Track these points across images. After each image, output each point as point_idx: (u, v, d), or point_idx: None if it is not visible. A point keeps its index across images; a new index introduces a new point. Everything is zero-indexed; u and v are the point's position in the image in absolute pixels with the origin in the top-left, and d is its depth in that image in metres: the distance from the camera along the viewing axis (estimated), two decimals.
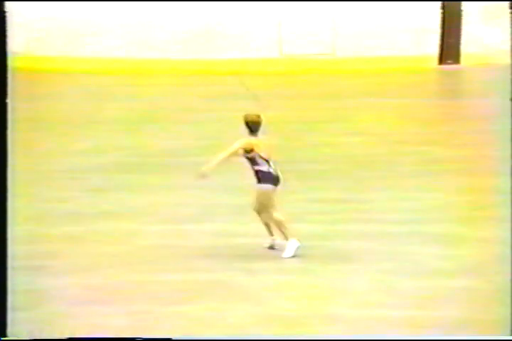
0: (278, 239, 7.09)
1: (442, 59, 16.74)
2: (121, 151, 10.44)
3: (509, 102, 13.32)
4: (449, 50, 16.66)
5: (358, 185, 9.02)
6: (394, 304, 6.18)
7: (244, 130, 7.05)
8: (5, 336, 5.13)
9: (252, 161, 6.94)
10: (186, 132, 11.37)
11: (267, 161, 6.94)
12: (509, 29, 10.50)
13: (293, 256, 6.95)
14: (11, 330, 5.17)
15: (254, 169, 6.96)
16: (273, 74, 15.66)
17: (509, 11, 10.22)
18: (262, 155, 6.91)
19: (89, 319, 5.95)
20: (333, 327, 5.82)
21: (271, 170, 6.94)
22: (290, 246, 6.95)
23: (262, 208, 6.99)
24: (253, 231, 7.59)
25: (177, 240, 7.41)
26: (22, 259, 6.92)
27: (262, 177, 6.93)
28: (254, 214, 7.33)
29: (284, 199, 8.37)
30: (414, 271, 6.76)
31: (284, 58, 16.56)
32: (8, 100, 4.88)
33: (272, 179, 6.93)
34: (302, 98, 13.77)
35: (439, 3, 16.63)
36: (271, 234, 7.13)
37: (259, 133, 6.99)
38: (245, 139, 6.95)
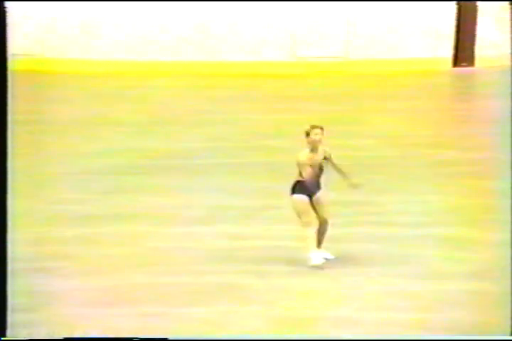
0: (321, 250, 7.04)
1: (457, 61, 16.67)
2: (131, 153, 10.45)
3: None
4: (464, 53, 16.59)
5: (368, 187, 8.98)
6: (404, 307, 6.16)
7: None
8: (4, 336, 5.15)
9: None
10: (196, 134, 11.38)
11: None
12: (509, 29, 10.49)
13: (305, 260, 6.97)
14: (11, 331, 5.19)
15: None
16: (285, 77, 15.65)
17: (509, 11, 10.23)
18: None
19: (99, 321, 5.96)
20: (344, 330, 5.81)
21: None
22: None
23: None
24: (263, 233, 7.58)
25: (187, 242, 7.41)
26: (33, 261, 6.94)
27: None
28: (264, 217, 7.35)
29: None
30: (424, 273, 6.74)
31: (297, 61, 16.55)
32: (9, 102, 4.90)
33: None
34: (314, 101, 13.75)
35: (455, 5, 16.58)
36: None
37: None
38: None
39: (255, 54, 16.47)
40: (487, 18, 16.57)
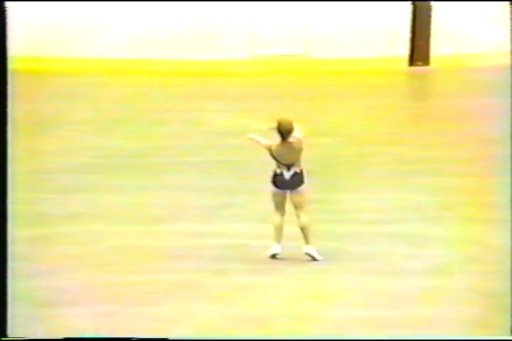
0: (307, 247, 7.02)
1: (412, 61, 16.84)
2: (90, 152, 10.39)
3: (476, 103, 13.44)
4: (419, 52, 16.77)
5: (327, 185, 9.04)
6: (364, 304, 6.20)
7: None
8: (5, 336, 5.10)
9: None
10: (156, 133, 11.35)
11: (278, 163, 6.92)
12: (509, 29, 10.60)
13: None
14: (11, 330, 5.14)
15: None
16: (244, 75, 15.66)
17: (509, 11, 10.29)
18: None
19: (57, 321, 5.91)
20: (304, 328, 5.83)
21: (277, 173, 6.93)
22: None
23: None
24: (223, 231, 7.58)
25: (146, 241, 7.38)
26: None
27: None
28: (223, 215, 7.33)
29: (253, 200, 8.39)
30: (382, 270, 6.79)
31: (255, 59, 16.57)
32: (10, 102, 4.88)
33: (276, 181, 6.93)
34: (272, 99, 13.78)
35: (410, 5, 16.74)
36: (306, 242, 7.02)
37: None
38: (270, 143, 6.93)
39: (214, 52, 16.47)
40: (443, 18, 16.77)
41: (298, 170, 6.97)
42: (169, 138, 10.93)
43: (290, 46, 16.62)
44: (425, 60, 16.81)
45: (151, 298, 6.29)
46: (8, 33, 4.82)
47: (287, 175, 6.95)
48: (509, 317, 5.68)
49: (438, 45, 16.67)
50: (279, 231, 6.99)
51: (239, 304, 6.20)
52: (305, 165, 10.31)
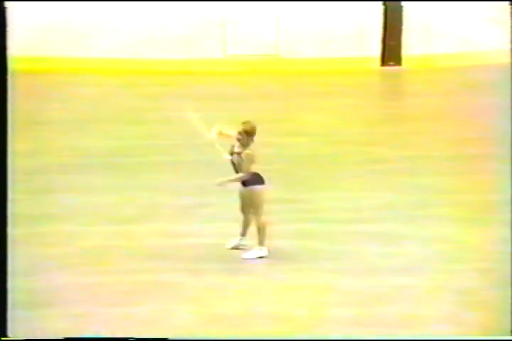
0: (246, 240, 7.06)
1: (384, 60, 16.94)
2: (64, 152, 10.34)
3: (448, 102, 13.52)
4: (391, 52, 16.87)
5: (301, 185, 9.06)
6: (337, 302, 6.22)
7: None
8: (5, 336, 5.06)
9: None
10: (129, 132, 11.32)
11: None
12: (509, 29, 10.68)
13: (245, 259, 6.98)
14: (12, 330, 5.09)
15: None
16: (217, 75, 15.64)
17: (509, 11, 10.34)
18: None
19: (31, 322, 5.87)
20: (278, 327, 5.84)
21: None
22: (257, 252, 6.96)
23: (251, 209, 6.95)
24: (197, 231, 7.58)
25: (120, 241, 7.36)
26: None
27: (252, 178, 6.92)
28: (197, 215, 7.30)
29: (228, 200, 8.39)
30: (357, 269, 6.83)
31: (228, 59, 16.57)
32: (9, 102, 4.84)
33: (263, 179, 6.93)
34: (246, 99, 13.79)
35: (381, 5, 16.83)
36: (243, 234, 7.07)
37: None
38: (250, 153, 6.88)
39: (187, 52, 16.45)
40: (415, 18, 16.87)
41: None
42: (141, 138, 10.90)
43: (264, 46, 16.64)
44: (397, 60, 16.91)
45: (125, 298, 6.27)
46: (8, 33, 4.79)
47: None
48: (478, 314, 5.74)
49: (410, 45, 16.78)
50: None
51: (215, 304, 6.20)
52: (279, 164, 10.34)
